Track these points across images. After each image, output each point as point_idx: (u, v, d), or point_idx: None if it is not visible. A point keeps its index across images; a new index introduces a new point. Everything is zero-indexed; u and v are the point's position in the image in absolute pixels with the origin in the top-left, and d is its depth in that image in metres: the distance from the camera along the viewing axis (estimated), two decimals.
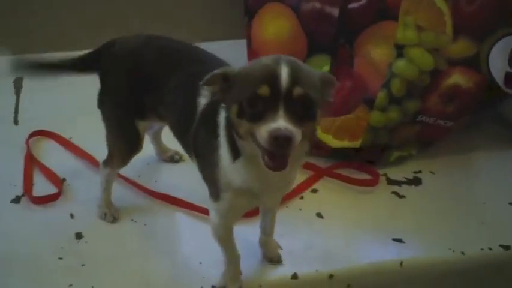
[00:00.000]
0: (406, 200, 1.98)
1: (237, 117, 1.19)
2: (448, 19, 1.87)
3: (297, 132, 1.13)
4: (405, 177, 2.07)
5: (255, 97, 1.15)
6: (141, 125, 1.65)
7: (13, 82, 2.44)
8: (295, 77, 1.15)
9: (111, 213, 1.80)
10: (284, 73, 1.14)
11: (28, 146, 2.04)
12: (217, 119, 1.33)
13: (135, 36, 1.63)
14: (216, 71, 1.22)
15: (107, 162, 1.76)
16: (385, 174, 2.07)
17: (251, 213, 1.73)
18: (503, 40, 1.90)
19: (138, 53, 1.58)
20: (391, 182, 2.05)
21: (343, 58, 1.98)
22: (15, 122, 2.23)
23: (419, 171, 2.10)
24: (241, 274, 1.59)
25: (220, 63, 1.48)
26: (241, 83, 1.19)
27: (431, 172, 2.10)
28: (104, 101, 1.65)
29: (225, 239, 1.52)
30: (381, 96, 1.92)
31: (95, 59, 1.65)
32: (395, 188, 2.02)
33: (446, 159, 2.17)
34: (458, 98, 1.97)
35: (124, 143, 1.69)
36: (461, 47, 1.91)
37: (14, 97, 2.36)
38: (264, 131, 1.13)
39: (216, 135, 1.33)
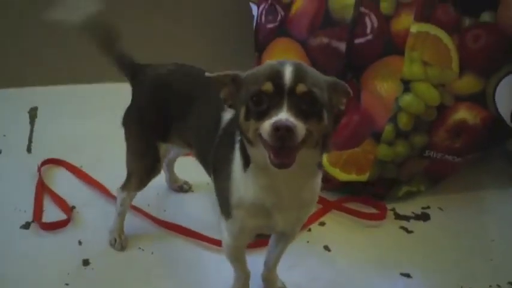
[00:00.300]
0: (414, 235, 1.98)
1: (244, 119, 1.20)
2: (454, 55, 1.90)
3: (299, 125, 1.13)
4: (413, 213, 2.07)
5: (260, 94, 1.17)
6: (162, 147, 1.68)
7: (28, 112, 2.50)
8: (299, 75, 1.17)
9: (120, 241, 1.82)
10: (288, 71, 1.16)
11: (40, 174, 2.07)
12: (236, 132, 1.34)
13: (165, 64, 1.68)
14: (227, 71, 1.24)
15: (124, 185, 1.78)
16: (393, 209, 2.07)
17: (259, 244, 1.74)
18: (509, 77, 1.93)
19: (167, 79, 1.63)
20: (399, 216, 2.05)
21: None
22: (29, 150, 2.27)
23: (428, 207, 2.11)
24: None
25: None
26: (248, 84, 1.22)
27: (440, 208, 2.11)
28: (130, 118, 1.69)
29: (237, 259, 1.53)
30: (388, 130, 1.94)
31: (133, 71, 1.68)
32: (403, 223, 2.02)
33: (455, 195, 2.18)
34: (465, 133, 1.99)
35: (144, 162, 1.71)
36: (468, 83, 1.93)
37: (29, 127, 2.41)
38: (267, 125, 1.14)
39: (233, 148, 1.35)
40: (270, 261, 1.65)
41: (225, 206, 1.41)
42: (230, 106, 1.29)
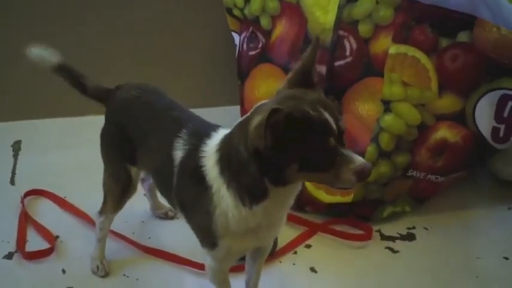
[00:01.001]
0: (399, 254, 1.97)
1: (298, 172, 1.20)
2: (433, 75, 1.93)
3: None
4: (399, 233, 2.07)
5: (326, 150, 1.18)
6: (133, 170, 1.68)
7: (11, 146, 2.49)
8: (335, 114, 1.21)
9: (103, 267, 1.80)
10: (330, 118, 1.18)
11: (23, 204, 2.06)
12: (202, 170, 1.33)
13: (136, 85, 1.69)
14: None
15: (101, 209, 1.78)
16: (378, 230, 2.07)
17: (236, 269, 1.72)
18: (488, 95, 1.95)
19: (130, 101, 1.64)
20: (384, 237, 2.05)
21: None
22: (12, 182, 2.26)
23: (413, 227, 2.11)
24: None
25: (202, 123, 1.51)
26: (297, 140, 1.17)
27: (425, 228, 2.11)
28: (103, 139, 1.71)
29: (223, 281, 1.53)
30: (370, 150, 1.95)
31: (105, 95, 1.70)
32: (389, 243, 2.02)
33: (440, 215, 2.18)
34: (447, 152, 2.00)
35: (116, 184, 1.71)
36: (447, 103, 1.95)
37: (12, 160, 2.40)
38: (349, 173, 1.18)
39: (205, 186, 1.33)
40: (250, 278, 1.64)
41: (208, 238, 1.39)
42: (263, 153, 1.19)
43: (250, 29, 2.26)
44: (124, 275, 1.81)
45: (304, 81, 1.27)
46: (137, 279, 1.80)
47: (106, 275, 1.80)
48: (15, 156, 2.43)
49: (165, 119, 1.54)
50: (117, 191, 1.72)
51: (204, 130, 1.40)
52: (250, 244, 1.41)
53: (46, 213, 2.08)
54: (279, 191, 1.24)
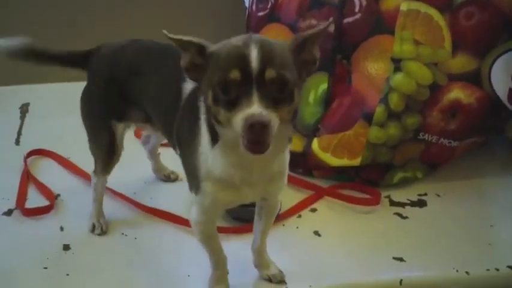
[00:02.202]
0: (408, 220, 1.89)
1: (213, 104, 1.16)
2: (447, 33, 1.84)
3: (273, 117, 1.09)
4: (409, 199, 1.99)
5: (227, 82, 1.11)
6: (119, 127, 1.64)
7: (19, 108, 2.50)
8: (267, 58, 1.10)
9: (99, 225, 1.77)
10: (254, 54, 1.10)
11: (25, 163, 2.04)
12: (200, 103, 1.29)
13: (120, 41, 1.65)
14: (191, 38, 1.18)
15: (94, 170, 1.76)
16: (388, 196, 1.99)
17: (244, 229, 1.70)
18: (505, 55, 1.86)
19: (120, 51, 1.60)
20: (394, 203, 1.97)
21: (340, 75, 1.95)
22: (17, 142, 2.25)
23: (425, 194, 2.02)
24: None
25: None
26: (213, 66, 1.16)
27: (438, 195, 2.02)
28: (84, 101, 1.67)
29: (209, 237, 1.46)
30: (379, 111, 1.88)
31: (84, 58, 1.65)
32: (398, 209, 1.94)
33: (454, 182, 2.08)
34: (460, 114, 1.92)
35: (100, 145, 1.67)
36: (461, 62, 1.87)
37: (19, 121, 2.40)
38: (239, 118, 1.09)
39: (197, 120, 1.30)
40: (256, 241, 1.57)
41: (194, 180, 1.36)
42: (192, 79, 1.24)
43: None
44: (122, 233, 1.77)
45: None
46: (135, 238, 1.76)
47: (103, 233, 1.77)
48: (22, 118, 2.43)
49: (171, 55, 1.45)
50: (102, 153, 1.69)
51: None
52: (232, 196, 1.34)
53: (48, 172, 2.06)
54: (224, 134, 1.20)
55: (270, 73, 1.10)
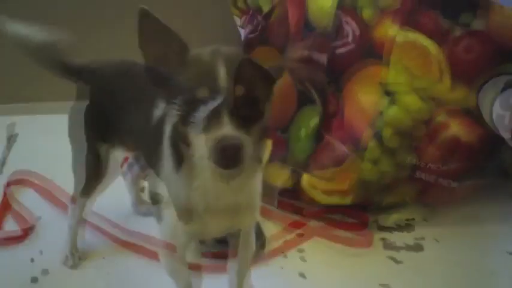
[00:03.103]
0: (403, 265, 1.77)
1: (181, 123, 1.06)
2: (445, 67, 1.75)
3: (245, 139, 1.00)
4: (405, 243, 1.86)
5: (194, 101, 1.02)
6: (103, 148, 1.57)
7: (7, 137, 2.46)
8: (236, 73, 1.00)
9: (72, 258, 1.69)
10: (222, 70, 1.01)
11: (5, 192, 1.99)
12: (164, 128, 1.21)
13: (106, 60, 1.58)
14: (176, 34, 1.09)
15: (72, 196, 1.69)
16: (382, 239, 1.87)
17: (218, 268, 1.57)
18: (492, 81, 1.74)
19: (105, 73, 1.53)
20: (388, 246, 1.85)
21: (332, 108, 1.87)
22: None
23: (422, 238, 1.89)
24: None
25: None
26: (182, 80, 1.06)
27: (436, 240, 1.89)
28: (70, 120, 1.62)
29: (174, 270, 1.37)
30: (372, 146, 1.78)
31: (77, 72, 1.59)
32: (393, 253, 1.82)
33: (453, 227, 1.95)
34: (459, 152, 1.80)
35: (83, 166, 1.60)
36: (461, 97, 1.76)
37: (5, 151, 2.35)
38: (209, 141, 0.99)
39: (160, 145, 1.22)
40: (233, 283, 1.46)
41: (156, 207, 1.28)
42: (153, 78, 1.11)
43: (251, 11, 2.13)
44: (95, 268, 1.69)
45: None
46: (108, 273, 1.67)
47: (74, 266, 1.68)
48: (9, 147, 2.37)
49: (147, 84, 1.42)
50: (84, 173, 1.60)
51: None
52: (195, 227, 1.24)
53: (28, 199, 1.99)
54: (189, 156, 1.09)
55: (240, 90, 1.01)
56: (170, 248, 1.30)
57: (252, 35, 2.07)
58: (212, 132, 1.00)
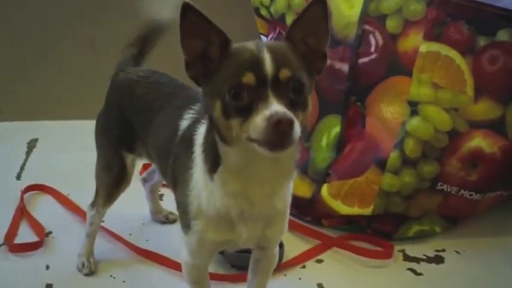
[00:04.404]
0: (423, 277, 1.74)
1: (222, 116, 1.04)
2: (469, 78, 1.73)
3: (295, 118, 0.98)
4: (425, 255, 1.83)
5: (240, 87, 1.01)
6: (129, 158, 1.56)
7: (27, 143, 2.47)
8: (280, 59, 1.02)
9: (89, 265, 1.67)
10: (267, 56, 1.01)
11: (22, 198, 1.97)
12: (194, 136, 1.21)
13: (141, 68, 1.59)
14: (217, 26, 1.06)
15: (93, 202, 1.66)
16: (402, 250, 1.85)
17: (241, 278, 1.55)
18: None
19: (134, 84, 1.52)
20: (408, 258, 1.82)
21: (354, 118, 1.84)
22: (18, 177, 2.20)
23: (443, 250, 1.87)
24: None
25: None
26: (224, 69, 1.05)
27: (457, 252, 1.86)
28: (99, 123, 1.60)
29: (196, 282, 1.34)
30: (393, 157, 1.75)
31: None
32: (413, 265, 1.79)
33: (474, 239, 1.93)
34: (482, 164, 1.77)
35: (109, 174, 1.58)
36: (484, 108, 1.74)
37: (24, 156, 2.37)
38: (259, 119, 0.97)
39: (190, 154, 1.20)
40: None
41: (184, 218, 1.25)
42: (192, 77, 1.09)
43: (277, 29, 2.12)
44: (111, 275, 1.66)
45: None
46: (123, 281, 1.64)
47: (91, 273, 1.66)
48: (28, 153, 2.40)
49: (179, 95, 1.42)
50: (110, 182, 1.59)
51: None
52: (225, 235, 1.21)
53: (44, 208, 1.99)
54: (230, 156, 1.09)
55: (285, 73, 1.01)
56: (195, 257, 1.28)
57: None
58: (261, 114, 0.98)
